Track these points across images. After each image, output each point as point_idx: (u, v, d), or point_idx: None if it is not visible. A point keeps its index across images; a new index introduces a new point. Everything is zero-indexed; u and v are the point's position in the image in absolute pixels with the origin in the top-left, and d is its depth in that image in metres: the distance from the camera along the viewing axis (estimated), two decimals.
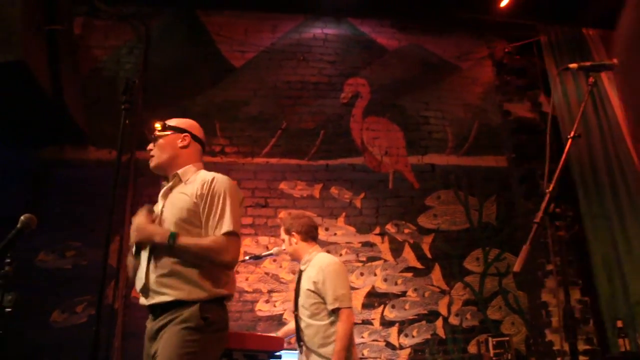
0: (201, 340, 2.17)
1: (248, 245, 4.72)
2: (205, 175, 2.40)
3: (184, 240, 2.25)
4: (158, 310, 2.26)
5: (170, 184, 2.43)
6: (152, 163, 2.47)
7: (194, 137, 2.53)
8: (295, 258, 3.41)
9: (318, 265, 3.20)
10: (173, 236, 2.23)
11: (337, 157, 5.04)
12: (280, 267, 4.72)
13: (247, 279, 4.66)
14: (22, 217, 2.11)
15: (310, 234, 3.35)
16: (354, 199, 4.95)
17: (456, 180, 5.17)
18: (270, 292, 4.66)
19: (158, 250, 2.29)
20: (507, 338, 4.68)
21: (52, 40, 4.34)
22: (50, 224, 4.70)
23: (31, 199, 4.81)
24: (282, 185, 4.93)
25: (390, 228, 4.90)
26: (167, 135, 2.47)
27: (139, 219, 2.30)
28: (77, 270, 4.70)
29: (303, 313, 3.21)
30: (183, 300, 2.20)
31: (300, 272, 3.34)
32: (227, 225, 2.27)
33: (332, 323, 3.12)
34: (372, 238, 4.86)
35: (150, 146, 2.49)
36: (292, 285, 4.60)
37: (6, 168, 4.93)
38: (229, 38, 5.24)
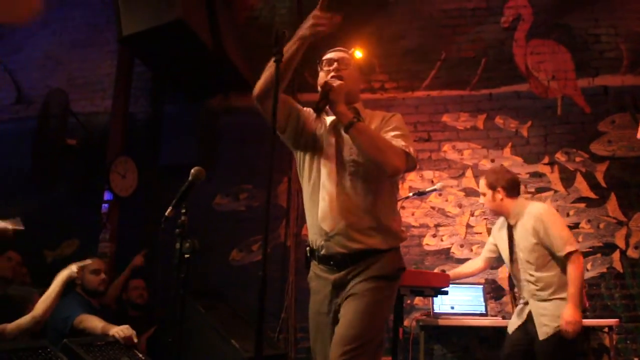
0: (392, 286, 2.15)
1: (412, 180, 4.71)
2: (379, 112, 2.39)
3: (365, 126, 2.13)
4: (347, 260, 2.09)
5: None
6: (341, 85, 2.20)
7: (365, 82, 2.53)
8: (498, 213, 3.41)
9: (533, 216, 3.18)
10: (357, 118, 2.12)
11: (500, 85, 4.80)
12: (447, 200, 4.67)
13: (413, 214, 4.68)
14: (192, 171, 2.15)
15: (515, 190, 3.32)
16: (520, 127, 4.72)
17: (633, 102, 4.72)
18: (437, 226, 4.65)
19: (346, 186, 2.14)
20: None
21: None
22: (223, 169, 5.01)
23: (204, 147, 5.14)
24: (445, 118, 4.83)
25: (560, 157, 4.62)
26: (357, 70, 2.40)
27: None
28: (250, 211, 4.99)
29: (529, 268, 3.16)
30: (377, 249, 2.09)
31: (510, 227, 3.31)
32: (403, 141, 2.17)
33: (564, 269, 3.07)
34: (541, 168, 4.63)
35: (335, 65, 2.27)
36: (461, 219, 4.61)
37: (179, 120, 5.29)
38: None
